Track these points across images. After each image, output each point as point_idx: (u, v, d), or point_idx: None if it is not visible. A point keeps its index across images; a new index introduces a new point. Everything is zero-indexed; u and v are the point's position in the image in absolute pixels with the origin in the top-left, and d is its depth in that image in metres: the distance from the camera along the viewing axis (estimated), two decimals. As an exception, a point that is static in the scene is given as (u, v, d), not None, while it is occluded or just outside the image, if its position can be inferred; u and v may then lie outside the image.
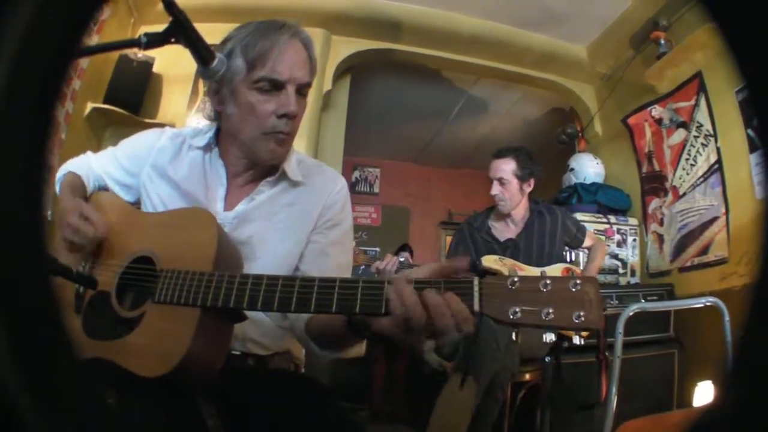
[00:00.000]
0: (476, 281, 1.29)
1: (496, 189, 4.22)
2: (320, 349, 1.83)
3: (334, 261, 2.00)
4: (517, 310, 1.23)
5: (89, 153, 2.29)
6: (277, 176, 1.99)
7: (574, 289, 1.22)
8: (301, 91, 1.91)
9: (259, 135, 1.87)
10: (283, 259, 1.93)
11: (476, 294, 1.28)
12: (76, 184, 2.12)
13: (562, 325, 1.22)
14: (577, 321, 1.20)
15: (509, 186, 4.18)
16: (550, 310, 1.21)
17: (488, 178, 4.28)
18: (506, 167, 4.20)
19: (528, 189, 4.26)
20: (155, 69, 5.57)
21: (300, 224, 1.99)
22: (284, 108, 1.84)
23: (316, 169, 2.15)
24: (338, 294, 1.38)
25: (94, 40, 4.83)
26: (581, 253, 4.59)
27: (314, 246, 1.99)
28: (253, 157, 1.95)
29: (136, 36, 4.52)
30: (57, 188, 2.19)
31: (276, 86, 1.84)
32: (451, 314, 1.26)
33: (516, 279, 1.26)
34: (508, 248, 4.18)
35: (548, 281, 1.24)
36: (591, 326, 1.21)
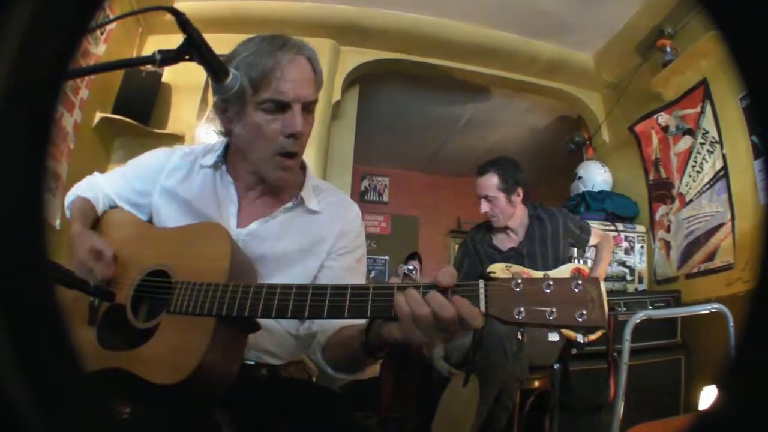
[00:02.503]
0: (482, 283, 1.32)
1: (485, 206, 4.19)
2: (336, 372, 1.84)
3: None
4: (522, 310, 1.26)
5: (96, 174, 2.30)
6: (294, 203, 2.01)
7: (576, 290, 1.26)
8: (308, 108, 1.90)
9: (268, 156, 1.88)
10: (294, 280, 1.91)
11: (482, 296, 1.31)
12: (86, 209, 2.13)
13: (565, 324, 1.26)
14: (580, 320, 1.23)
15: (497, 201, 4.14)
16: (554, 310, 1.25)
17: (477, 197, 4.25)
18: (488, 183, 4.16)
19: (517, 198, 4.20)
20: (164, 79, 5.58)
21: (314, 249, 2.00)
22: (291, 128, 1.84)
23: (332, 196, 2.15)
24: (350, 299, 1.40)
25: (101, 49, 4.85)
26: (589, 262, 4.58)
27: (328, 272, 2.00)
28: (260, 176, 1.97)
29: (144, 45, 4.54)
30: (68, 213, 2.20)
31: (281, 107, 1.84)
32: (455, 312, 1.28)
33: (520, 281, 1.29)
34: (511, 257, 4.14)
35: (551, 282, 1.27)
36: (594, 325, 1.24)
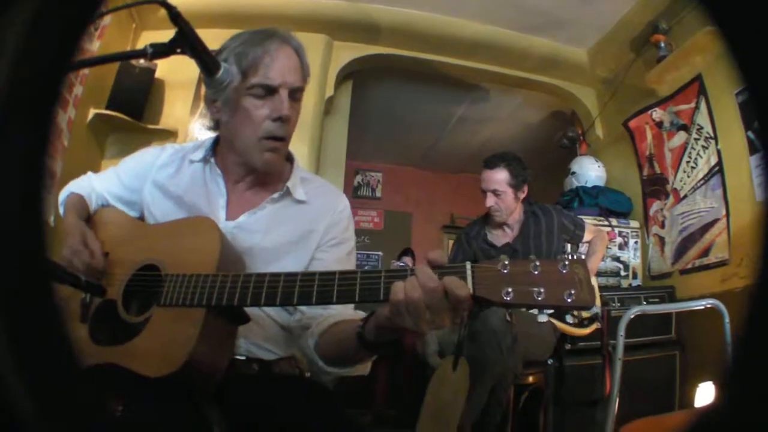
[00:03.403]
0: (468, 265, 1.34)
1: (491, 201, 4.17)
2: (327, 366, 1.84)
3: None
4: (510, 290, 1.28)
5: (90, 173, 2.34)
6: (281, 194, 2.02)
7: (564, 271, 1.28)
8: (294, 95, 1.95)
9: (255, 141, 1.91)
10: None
11: (469, 277, 1.32)
12: (79, 204, 2.15)
13: (554, 304, 1.28)
14: (568, 300, 1.25)
15: (504, 197, 4.13)
16: (542, 290, 1.26)
17: (481, 191, 4.23)
18: (499, 177, 4.13)
19: (522, 195, 4.22)
20: (157, 75, 5.57)
21: (303, 241, 2.01)
22: (278, 111, 1.88)
23: (320, 188, 2.18)
24: (338, 285, 1.42)
25: (95, 45, 4.84)
26: (583, 257, 4.57)
27: (318, 263, 2.01)
28: (248, 163, 1.98)
29: (137, 41, 4.53)
30: (61, 210, 2.22)
31: (269, 91, 1.89)
32: (440, 283, 1.30)
33: (507, 263, 1.31)
34: (505, 253, 4.15)
35: (538, 263, 1.30)
36: (582, 304, 1.26)
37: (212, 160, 2.08)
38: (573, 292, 1.25)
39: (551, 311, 3.77)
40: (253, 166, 1.98)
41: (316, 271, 1.49)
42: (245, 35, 1.95)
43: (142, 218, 2.15)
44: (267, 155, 1.93)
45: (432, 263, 1.35)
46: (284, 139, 1.96)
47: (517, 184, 4.14)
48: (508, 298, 1.28)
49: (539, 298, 1.26)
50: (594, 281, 4.12)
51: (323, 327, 1.84)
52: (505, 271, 1.30)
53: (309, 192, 2.10)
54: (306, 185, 2.12)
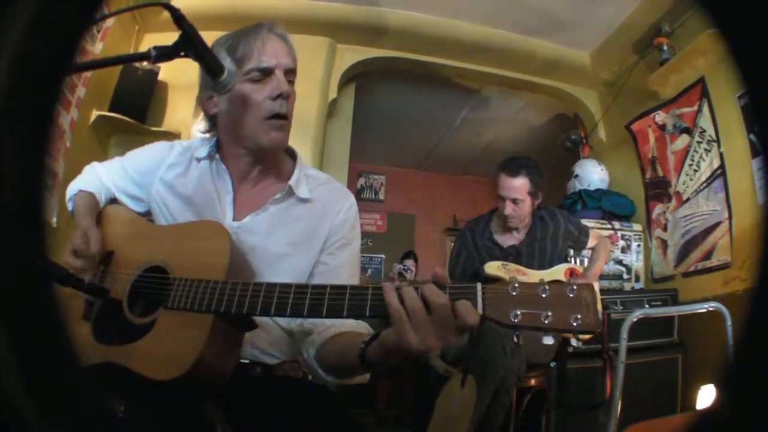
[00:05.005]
0: (479, 286, 1.35)
1: (509, 209, 4.11)
2: (327, 375, 1.84)
3: (346, 282, 1.98)
4: (518, 313, 1.29)
5: (95, 164, 2.33)
6: (284, 193, 2.01)
7: (571, 295, 1.29)
8: (288, 77, 1.98)
9: (259, 122, 1.92)
10: (288, 274, 1.92)
11: (479, 298, 1.33)
12: (90, 203, 2.15)
13: (560, 327, 1.29)
14: (574, 324, 1.27)
15: (523, 205, 4.10)
16: (549, 314, 1.28)
17: (498, 196, 4.16)
18: (520, 185, 4.07)
19: (537, 202, 4.18)
20: (160, 77, 5.57)
21: (308, 242, 2.01)
22: (277, 89, 1.92)
23: (325, 185, 2.17)
24: (349, 299, 1.42)
25: (98, 47, 4.84)
26: (585, 260, 4.57)
27: (325, 267, 2.00)
28: (254, 147, 1.98)
29: (140, 43, 4.52)
30: (69, 206, 2.23)
31: (265, 73, 1.93)
32: (448, 298, 1.31)
33: (517, 285, 1.32)
34: (510, 254, 4.13)
35: (547, 287, 1.31)
36: (588, 329, 1.28)
37: (217, 156, 2.07)
38: (579, 316, 1.27)
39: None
40: (261, 149, 1.98)
41: (327, 284, 1.49)
42: (231, 33, 2.03)
43: (148, 214, 2.16)
44: (273, 134, 1.94)
45: (440, 281, 1.35)
46: (287, 117, 1.98)
47: (535, 192, 4.12)
48: (516, 320, 1.29)
49: (546, 322, 1.28)
50: (596, 286, 4.12)
51: (324, 337, 1.84)
52: (514, 294, 1.32)
53: (314, 190, 2.09)
54: (311, 182, 2.11)
